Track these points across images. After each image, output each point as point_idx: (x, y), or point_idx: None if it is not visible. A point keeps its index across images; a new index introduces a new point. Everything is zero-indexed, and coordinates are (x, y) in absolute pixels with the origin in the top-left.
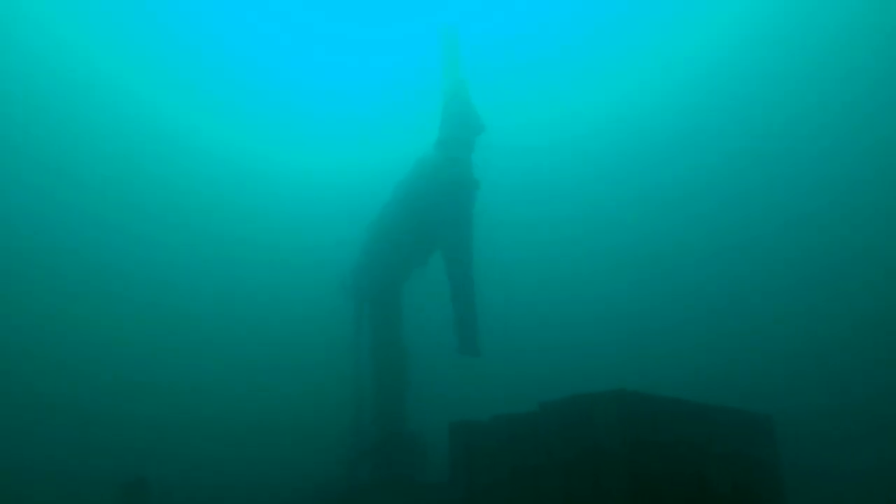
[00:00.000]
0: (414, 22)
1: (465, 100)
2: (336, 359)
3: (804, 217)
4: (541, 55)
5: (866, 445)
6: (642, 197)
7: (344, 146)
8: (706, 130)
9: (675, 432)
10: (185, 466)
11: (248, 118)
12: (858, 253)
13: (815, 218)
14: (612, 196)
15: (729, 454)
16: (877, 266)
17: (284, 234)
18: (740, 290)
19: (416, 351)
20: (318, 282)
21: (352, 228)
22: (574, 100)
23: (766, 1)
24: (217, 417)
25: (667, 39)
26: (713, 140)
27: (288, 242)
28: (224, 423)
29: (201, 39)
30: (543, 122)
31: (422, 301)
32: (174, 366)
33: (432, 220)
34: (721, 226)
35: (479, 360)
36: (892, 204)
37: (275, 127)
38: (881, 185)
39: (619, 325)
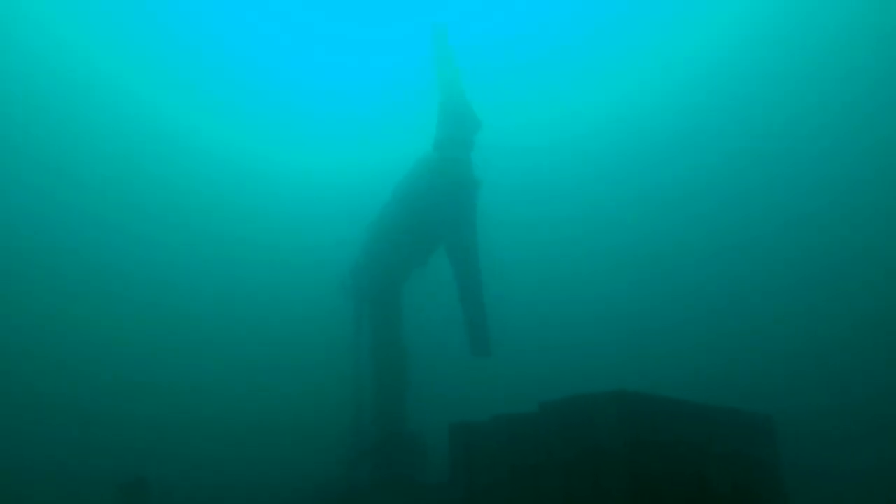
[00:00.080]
0: (413, 22)
1: (460, 99)
2: (336, 359)
3: (804, 217)
4: (541, 55)
5: (866, 445)
6: (642, 197)
7: (344, 146)
8: (706, 130)
9: (676, 432)
10: (185, 466)
11: (248, 118)
12: (858, 253)
13: (815, 218)
14: (612, 196)
15: (729, 454)
16: (877, 266)
17: (284, 234)
18: (740, 290)
19: (416, 351)
20: (318, 282)
21: (352, 228)
22: (574, 100)
23: (766, 1)
24: (217, 417)
25: (667, 39)
26: (713, 140)
27: (288, 242)
28: (224, 423)
29: (201, 39)
30: (543, 122)
31: (422, 301)
32: (174, 366)
33: (433, 221)
34: (721, 226)
35: (490, 360)
36: (892, 204)
37: (275, 127)
38: (881, 185)
39: (619, 325)
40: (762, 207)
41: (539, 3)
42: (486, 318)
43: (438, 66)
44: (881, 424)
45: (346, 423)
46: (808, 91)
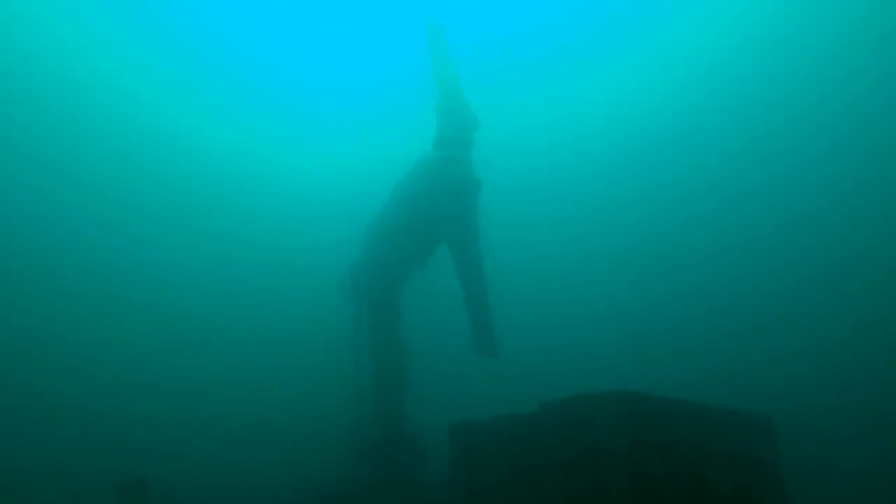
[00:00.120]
0: (413, 22)
1: (457, 98)
2: (336, 359)
3: (804, 217)
4: (540, 55)
5: (867, 445)
6: (642, 197)
7: (344, 146)
8: (706, 130)
9: (676, 433)
10: (184, 466)
11: (248, 118)
12: (858, 253)
13: (815, 218)
14: (612, 196)
15: (729, 454)
16: (877, 266)
17: (284, 234)
18: (740, 290)
19: (416, 351)
20: (317, 282)
21: (352, 228)
22: (574, 100)
23: (766, 1)
24: (217, 417)
25: (667, 39)
26: (713, 140)
27: (288, 242)
28: (224, 423)
29: (201, 39)
30: (543, 122)
31: (422, 301)
32: (174, 366)
33: (433, 221)
34: (721, 226)
35: (496, 360)
36: (892, 204)
37: (275, 127)
38: (881, 185)
39: (619, 325)
40: (762, 207)
41: (539, 3)
42: (491, 318)
43: (434, 66)
44: (881, 424)
45: (346, 422)
46: (808, 91)
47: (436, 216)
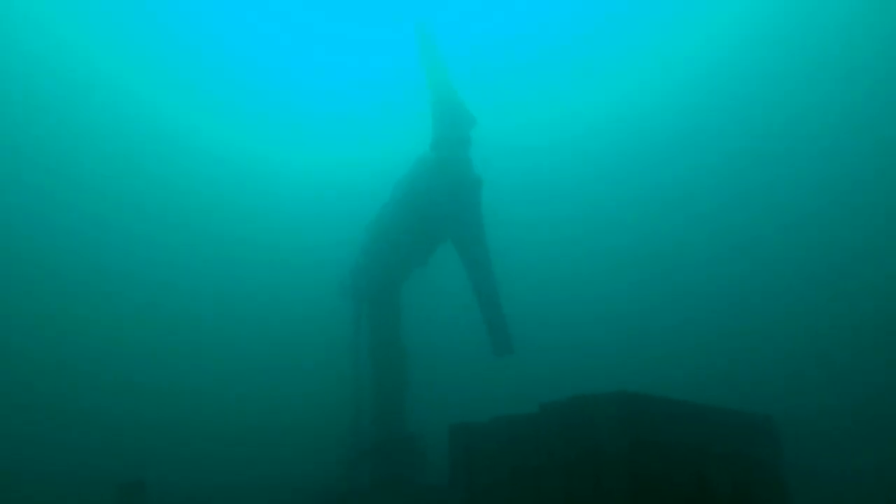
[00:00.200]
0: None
1: (451, 97)
2: (335, 359)
3: (804, 217)
4: (540, 55)
5: (868, 445)
6: (642, 197)
7: (344, 146)
8: (706, 130)
9: (676, 433)
10: (184, 467)
11: (248, 118)
12: (859, 253)
13: (816, 218)
14: (612, 196)
15: (730, 455)
16: (878, 266)
17: (284, 234)
18: (740, 290)
19: (416, 351)
20: (317, 282)
21: (351, 228)
22: (574, 100)
23: (766, 1)
24: (216, 418)
25: (667, 39)
26: (713, 140)
27: (287, 242)
28: (223, 423)
29: (201, 39)
30: (543, 122)
31: (421, 301)
32: (173, 366)
33: (433, 220)
34: (721, 226)
35: (512, 358)
36: (892, 204)
37: (274, 127)
38: (882, 185)
39: (619, 325)
40: (762, 207)
41: (538, 3)
42: (503, 316)
43: (426, 66)
44: (882, 425)
45: (346, 423)
46: (808, 91)
47: (436, 216)
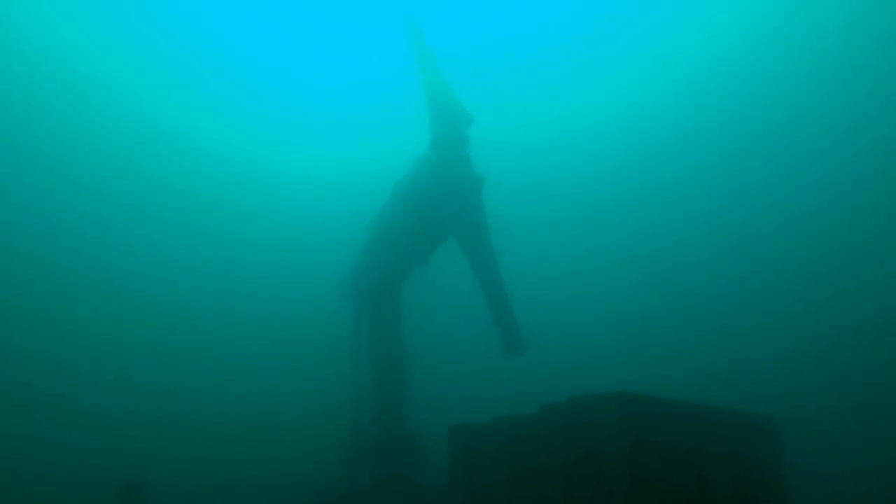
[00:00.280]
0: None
1: (447, 96)
2: (335, 359)
3: (805, 217)
4: (540, 55)
5: (868, 445)
6: (642, 197)
7: (343, 146)
8: (706, 130)
9: (676, 433)
10: (184, 467)
11: (248, 118)
12: (859, 253)
13: (816, 218)
14: (612, 196)
15: (730, 455)
16: (878, 266)
17: (284, 234)
18: (741, 290)
19: (416, 351)
20: (317, 282)
21: (352, 228)
22: (574, 100)
23: (766, 1)
24: (216, 418)
25: (667, 39)
26: (713, 140)
27: (288, 242)
28: (223, 423)
29: (201, 39)
30: (543, 122)
31: (421, 301)
32: (172, 366)
33: (433, 220)
34: (721, 226)
35: (524, 357)
36: (892, 204)
37: (274, 127)
38: (882, 185)
39: (619, 325)
40: (763, 207)
41: (538, 3)
42: (513, 315)
43: (419, 64)
44: (882, 425)
45: (346, 423)
46: (808, 91)
47: (437, 216)
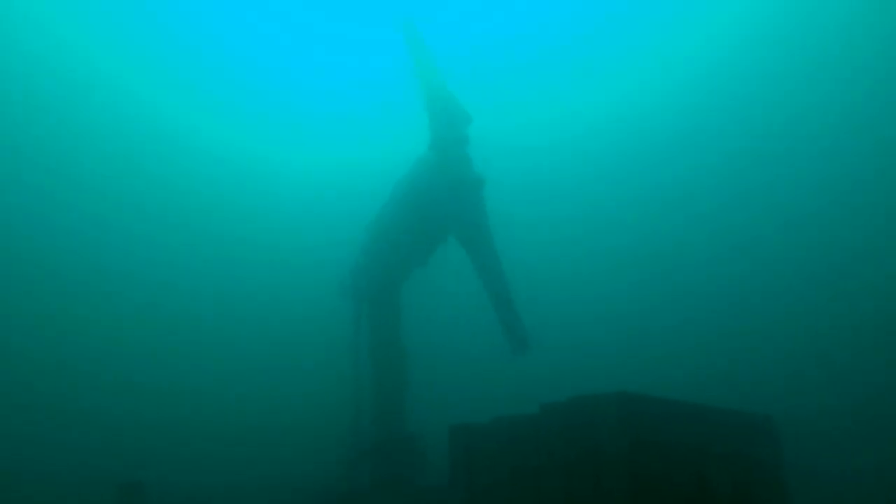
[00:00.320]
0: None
1: (444, 95)
2: (335, 359)
3: (805, 217)
4: (540, 55)
5: (869, 446)
6: (642, 197)
7: (343, 146)
8: (706, 130)
9: (676, 434)
10: (184, 467)
11: (248, 118)
12: (859, 253)
13: (817, 218)
14: (612, 196)
15: (730, 455)
16: (878, 266)
17: (284, 234)
18: (741, 290)
19: (416, 351)
20: (317, 282)
21: (351, 228)
22: (574, 100)
23: (766, 1)
24: (216, 418)
25: (667, 39)
26: (713, 140)
27: (287, 242)
28: (223, 423)
29: (201, 39)
30: (543, 122)
31: (422, 301)
32: (172, 366)
33: (433, 220)
34: (722, 226)
35: (529, 356)
36: (893, 204)
37: (274, 127)
38: (882, 185)
39: (619, 325)
40: (763, 207)
41: (538, 3)
42: (518, 315)
43: (416, 65)
44: (883, 425)
45: (345, 423)
46: (808, 91)
47: (436, 216)
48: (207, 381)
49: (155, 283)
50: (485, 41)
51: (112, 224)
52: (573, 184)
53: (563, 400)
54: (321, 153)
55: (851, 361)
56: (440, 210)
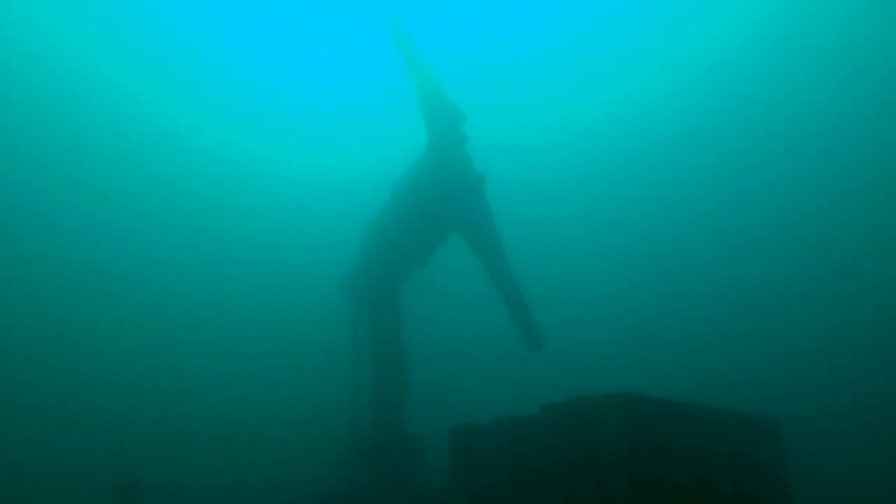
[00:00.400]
0: (414, 21)
1: (438, 94)
2: (335, 359)
3: (806, 217)
4: (540, 55)
5: (871, 447)
6: (642, 197)
7: (343, 146)
8: (706, 130)
9: (678, 435)
10: (183, 467)
11: (248, 118)
12: (860, 253)
13: (817, 218)
14: (612, 196)
15: (732, 456)
16: (878, 266)
17: (284, 234)
18: (741, 290)
19: (416, 352)
20: (317, 282)
21: (351, 228)
22: (574, 100)
23: (766, 1)
24: (216, 418)
25: (667, 39)
26: (713, 140)
27: (287, 242)
28: (223, 423)
29: (201, 39)
30: (543, 122)
31: (422, 301)
32: (172, 366)
33: (433, 219)
34: (722, 226)
35: (544, 352)
36: (893, 204)
37: (274, 127)
38: (882, 185)
39: (620, 326)
40: (763, 208)
41: (539, 3)
42: (530, 313)
43: (407, 67)
44: (883, 426)
45: (346, 423)
46: (808, 91)
47: (437, 215)
48: (207, 382)
49: (155, 283)
50: (484, 41)
51: (112, 224)
52: (573, 184)
53: (563, 401)
54: (321, 153)
55: (852, 362)
56: (441, 209)
